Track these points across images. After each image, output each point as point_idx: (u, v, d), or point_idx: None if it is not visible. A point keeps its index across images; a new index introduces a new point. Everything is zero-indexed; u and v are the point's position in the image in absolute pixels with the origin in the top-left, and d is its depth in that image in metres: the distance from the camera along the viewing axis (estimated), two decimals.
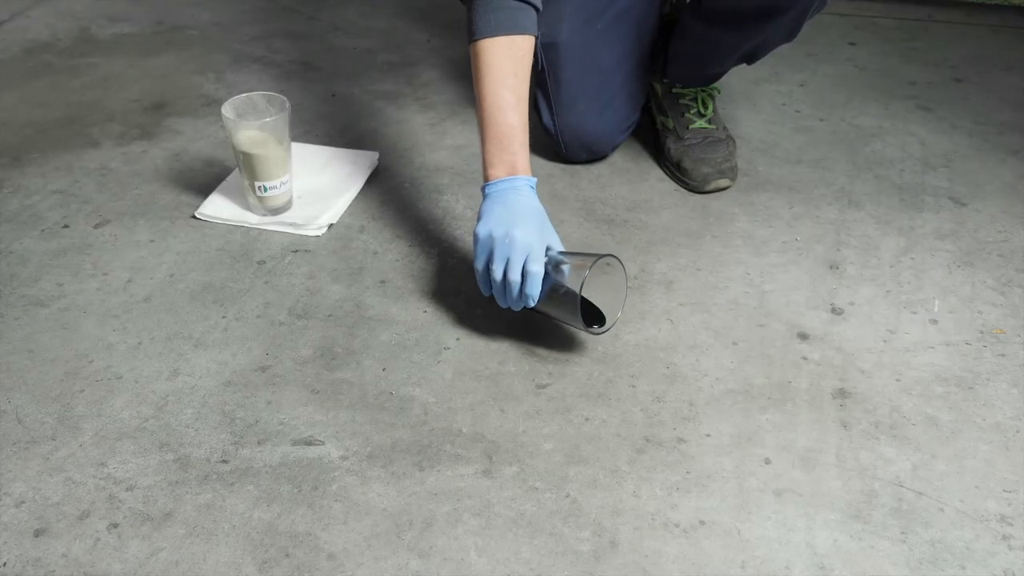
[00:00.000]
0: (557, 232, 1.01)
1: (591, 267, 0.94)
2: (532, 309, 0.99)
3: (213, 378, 0.97)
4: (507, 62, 1.01)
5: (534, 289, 0.95)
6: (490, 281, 0.99)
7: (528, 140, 1.02)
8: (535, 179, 1.01)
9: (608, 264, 0.98)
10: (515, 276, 0.95)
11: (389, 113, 1.47)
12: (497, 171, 1.00)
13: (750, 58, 1.29)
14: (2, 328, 1.03)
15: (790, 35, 1.22)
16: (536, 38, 1.05)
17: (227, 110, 1.14)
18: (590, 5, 1.27)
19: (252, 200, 1.19)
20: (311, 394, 0.95)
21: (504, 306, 1.00)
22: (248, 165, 1.15)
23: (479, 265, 0.99)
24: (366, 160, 1.33)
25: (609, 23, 1.28)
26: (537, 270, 0.95)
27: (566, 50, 1.26)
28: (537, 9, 1.04)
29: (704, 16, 1.22)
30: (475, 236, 0.99)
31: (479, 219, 0.99)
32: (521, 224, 0.96)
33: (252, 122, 1.14)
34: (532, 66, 1.29)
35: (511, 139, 1.00)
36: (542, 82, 1.30)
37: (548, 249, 0.98)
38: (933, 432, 0.92)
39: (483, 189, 1.01)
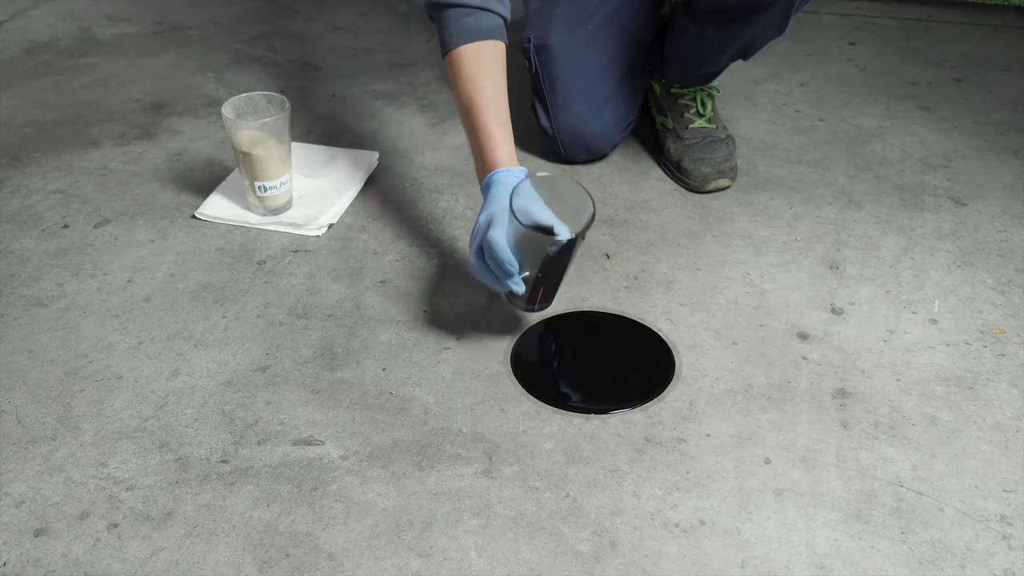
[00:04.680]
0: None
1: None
2: (533, 285, 0.95)
3: (213, 378, 0.97)
4: (474, 68, 1.03)
5: (497, 254, 0.91)
6: (494, 276, 0.95)
7: (506, 132, 1.01)
8: (521, 168, 1.00)
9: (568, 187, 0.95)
10: (474, 256, 0.94)
11: (389, 113, 1.47)
12: (480, 176, 1.02)
13: (744, 54, 1.29)
14: (2, 328, 1.03)
15: (779, 29, 1.22)
16: (506, 45, 1.06)
17: (227, 110, 1.14)
18: (580, 7, 1.28)
19: (252, 200, 1.19)
20: (311, 394, 0.95)
21: (504, 291, 0.97)
22: (248, 165, 1.15)
23: (480, 268, 0.97)
24: (366, 160, 1.33)
25: (600, 24, 1.28)
26: (492, 235, 0.91)
27: (558, 51, 1.27)
28: (504, 18, 1.06)
29: (694, 15, 1.22)
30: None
31: None
32: (488, 207, 0.95)
33: (252, 122, 1.14)
34: (527, 69, 1.30)
35: (488, 139, 1.01)
36: (537, 85, 1.30)
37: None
38: (933, 432, 0.92)
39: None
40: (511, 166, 1.00)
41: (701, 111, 1.33)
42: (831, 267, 1.15)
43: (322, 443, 0.90)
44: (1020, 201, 1.28)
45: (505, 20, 1.06)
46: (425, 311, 1.06)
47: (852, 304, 1.09)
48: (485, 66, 1.03)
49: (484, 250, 0.94)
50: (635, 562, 0.79)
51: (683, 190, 1.29)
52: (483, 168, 1.01)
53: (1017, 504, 0.84)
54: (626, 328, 1.05)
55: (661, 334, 1.03)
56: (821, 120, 1.47)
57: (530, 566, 0.79)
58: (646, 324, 1.05)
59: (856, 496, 0.85)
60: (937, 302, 1.09)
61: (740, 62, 1.32)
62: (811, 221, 1.23)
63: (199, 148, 1.37)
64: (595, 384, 0.98)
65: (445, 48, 1.05)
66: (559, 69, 1.28)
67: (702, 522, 0.83)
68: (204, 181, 1.29)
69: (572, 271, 1.00)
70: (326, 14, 1.83)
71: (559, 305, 1.07)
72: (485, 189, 1.00)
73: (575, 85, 1.28)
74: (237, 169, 1.21)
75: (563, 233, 0.92)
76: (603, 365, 1.01)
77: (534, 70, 1.29)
